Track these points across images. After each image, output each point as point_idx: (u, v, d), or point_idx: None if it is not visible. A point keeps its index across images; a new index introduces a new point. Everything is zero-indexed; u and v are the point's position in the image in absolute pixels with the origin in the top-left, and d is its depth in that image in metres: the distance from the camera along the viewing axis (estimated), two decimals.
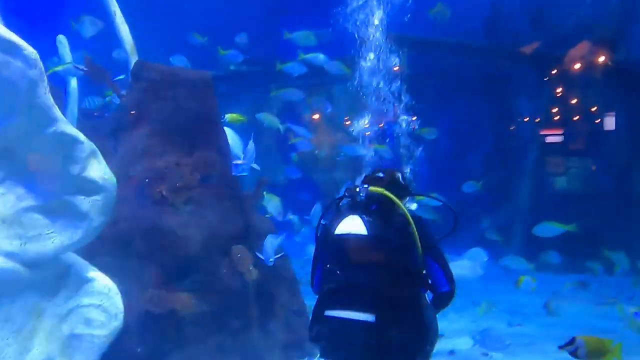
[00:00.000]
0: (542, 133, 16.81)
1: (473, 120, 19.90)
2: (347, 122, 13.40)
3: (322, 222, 3.39)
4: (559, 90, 16.73)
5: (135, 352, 5.85)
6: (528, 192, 15.84)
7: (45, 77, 5.09)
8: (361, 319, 2.95)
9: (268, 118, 10.38)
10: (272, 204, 7.60)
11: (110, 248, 6.00)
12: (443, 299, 3.19)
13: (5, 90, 4.91)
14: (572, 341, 4.53)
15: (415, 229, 3.10)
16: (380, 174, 3.43)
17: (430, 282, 3.22)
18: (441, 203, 3.59)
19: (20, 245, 5.31)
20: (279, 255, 6.46)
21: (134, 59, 7.69)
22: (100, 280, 5.88)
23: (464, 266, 8.35)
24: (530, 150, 16.49)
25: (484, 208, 16.69)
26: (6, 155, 5.23)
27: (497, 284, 11.03)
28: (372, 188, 3.24)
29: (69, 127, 5.32)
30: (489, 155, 18.53)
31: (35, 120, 5.11)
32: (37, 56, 4.95)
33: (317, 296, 3.34)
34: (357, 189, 3.21)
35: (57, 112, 5.21)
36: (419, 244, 3.10)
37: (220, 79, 16.38)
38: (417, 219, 3.19)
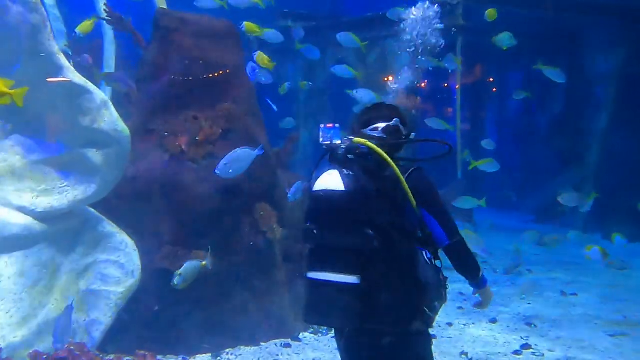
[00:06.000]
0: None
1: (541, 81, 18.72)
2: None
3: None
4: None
5: (153, 311, 5.67)
6: (597, 158, 14.66)
7: (49, 24, 4.86)
8: (342, 280, 2.76)
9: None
10: None
11: (127, 204, 5.84)
12: (447, 254, 2.92)
13: (6, 36, 4.72)
14: None
15: (404, 182, 2.83)
16: (380, 123, 3.06)
17: (432, 238, 2.95)
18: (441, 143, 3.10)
19: (32, 198, 5.18)
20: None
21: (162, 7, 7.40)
22: (118, 236, 5.72)
23: None
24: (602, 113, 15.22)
25: (552, 173, 15.81)
26: (14, 106, 5.07)
27: None
28: (355, 139, 2.94)
29: (77, 76, 5.11)
30: (558, 118, 17.41)
31: (40, 68, 4.91)
32: (38, 0, 4.72)
33: None
34: (339, 141, 2.95)
35: (62, 59, 4.99)
36: (412, 199, 2.84)
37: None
38: (415, 171, 2.92)
